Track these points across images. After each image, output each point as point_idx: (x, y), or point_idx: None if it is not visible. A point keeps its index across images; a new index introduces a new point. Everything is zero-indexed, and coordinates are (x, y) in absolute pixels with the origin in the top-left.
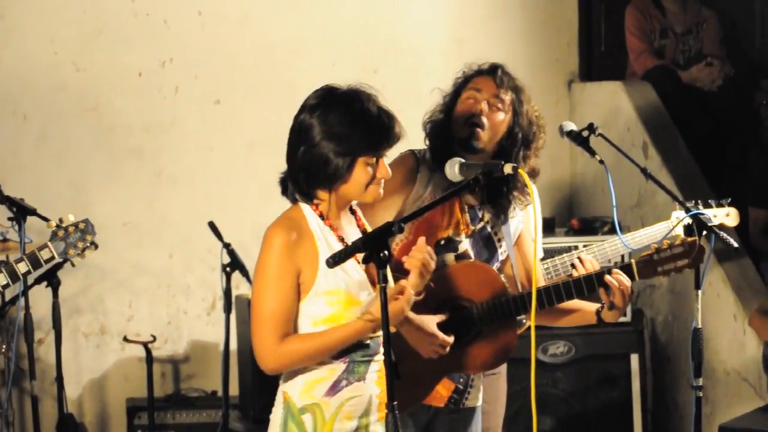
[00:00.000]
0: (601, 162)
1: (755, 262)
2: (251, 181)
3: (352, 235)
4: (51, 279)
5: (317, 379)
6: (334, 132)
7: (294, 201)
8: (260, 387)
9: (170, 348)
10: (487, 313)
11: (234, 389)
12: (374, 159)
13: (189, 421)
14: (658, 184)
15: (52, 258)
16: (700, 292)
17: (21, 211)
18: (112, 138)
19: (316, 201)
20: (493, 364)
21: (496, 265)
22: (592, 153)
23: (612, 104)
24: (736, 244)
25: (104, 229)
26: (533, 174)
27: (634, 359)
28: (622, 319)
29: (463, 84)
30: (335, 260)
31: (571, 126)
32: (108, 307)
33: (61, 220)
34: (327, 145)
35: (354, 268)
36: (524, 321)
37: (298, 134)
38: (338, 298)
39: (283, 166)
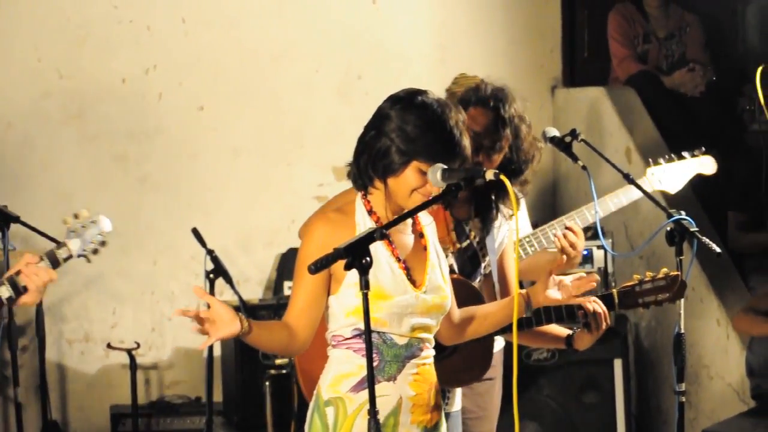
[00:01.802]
0: (584, 168)
1: (737, 266)
2: (235, 187)
3: (402, 236)
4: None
5: (346, 374)
6: (405, 129)
7: (356, 187)
8: (244, 393)
9: (154, 355)
10: None
11: (218, 395)
12: (429, 168)
13: (173, 428)
14: (641, 190)
15: (70, 256)
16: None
17: (4, 219)
18: (96, 145)
19: (371, 190)
20: (467, 380)
21: (479, 278)
22: (575, 159)
23: (595, 110)
24: (718, 250)
25: None
26: (524, 183)
27: (618, 364)
28: None
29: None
30: (316, 267)
31: (553, 132)
32: (92, 314)
33: (76, 216)
34: (394, 138)
35: (389, 264)
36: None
37: (375, 119)
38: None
39: (266, 172)
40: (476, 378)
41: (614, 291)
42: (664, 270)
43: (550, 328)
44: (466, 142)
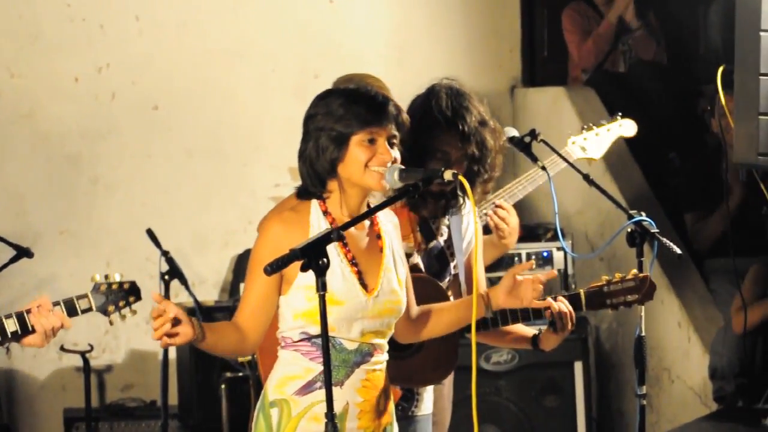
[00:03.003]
0: (543, 168)
1: (698, 268)
2: (190, 187)
3: (358, 237)
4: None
5: (291, 376)
6: (331, 112)
7: (313, 198)
8: (199, 396)
9: (108, 357)
10: None
11: (173, 399)
12: (370, 137)
13: None
14: (601, 191)
15: (90, 308)
16: None
17: None
18: (48, 145)
19: (325, 195)
20: (435, 379)
21: (447, 278)
22: (534, 159)
23: (555, 109)
24: (679, 251)
25: (40, 237)
26: (487, 181)
27: (578, 367)
28: None
29: (428, 135)
30: (272, 268)
31: (513, 132)
32: None
33: (106, 277)
34: (324, 127)
35: (341, 268)
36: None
37: (304, 129)
38: (316, 294)
39: (221, 172)
40: (442, 377)
41: (581, 291)
42: (633, 271)
43: (515, 327)
44: (393, 106)
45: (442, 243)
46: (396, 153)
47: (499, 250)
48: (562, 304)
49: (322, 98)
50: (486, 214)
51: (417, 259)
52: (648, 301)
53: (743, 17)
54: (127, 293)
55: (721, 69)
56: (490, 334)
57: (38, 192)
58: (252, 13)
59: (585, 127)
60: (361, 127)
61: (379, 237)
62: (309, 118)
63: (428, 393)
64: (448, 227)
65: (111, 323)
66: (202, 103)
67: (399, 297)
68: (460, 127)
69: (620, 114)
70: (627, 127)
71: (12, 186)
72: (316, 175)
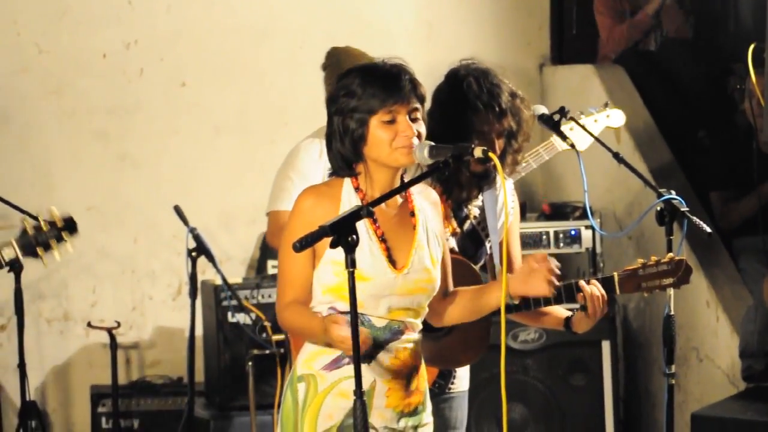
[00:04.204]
0: (572, 146)
1: (727, 247)
2: (217, 164)
3: (390, 214)
4: (13, 264)
5: (320, 351)
6: (350, 91)
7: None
8: (226, 374)
9: (135, 334)
10: None
11: (200, 376)
12: (389, 116)
13: (154, 408)
14: (631, 169)
15: (16, 258)
16: None
17: None
18: (76, 121)
19: (356, 174)
20: (465, 360)
21: (484, 258)
22: (564, 137)
23: (584, 88)
24: (708, 230)
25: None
26: (517, 151)
27: (606, 346)
28: None
29: (467, 120)
30: (301, 244)
31: (542, 110)
32: (71, 293)
33: (36, 218)
34: (345, 109)
35: (369, 245)
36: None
37: (328, 112)
38: (343, 270)
39: (249, 149)
40: (473, 359)
41: (615, 274)
42: (670, 255)
43: (549, 308)
44: (408, 80)
45: (475, 223)
46: (420, 127)
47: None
48: (595, 288)
49: (341, 78)
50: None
51: (452, 242)
52: (684, 285)
53: None
54: (60, 230)
55: (752, 47)
56: (522, 314)
57: (65, 168)
58: None
59: (576, 114)
60: (380, 106)
61: (413, 214)
62: (331, 101)
63: (464, 370)
64: (481, 208)
65: (45, 265)
66: (229, 80)
67: (432, 275)
68: (497, 105)
69: (607, 103)
70: (615, 118)
71: (39, 162)
72: (342, 157)
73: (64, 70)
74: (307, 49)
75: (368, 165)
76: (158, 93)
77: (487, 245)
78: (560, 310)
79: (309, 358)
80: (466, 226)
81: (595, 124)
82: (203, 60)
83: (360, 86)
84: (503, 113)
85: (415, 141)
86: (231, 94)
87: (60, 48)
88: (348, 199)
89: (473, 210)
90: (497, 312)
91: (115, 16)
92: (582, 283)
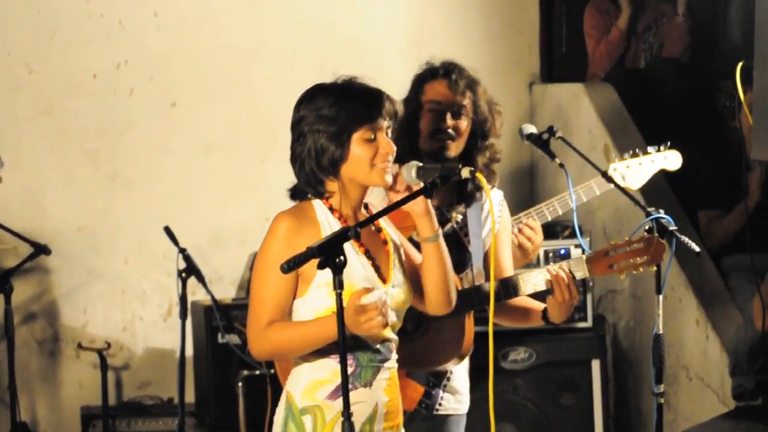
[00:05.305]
0: (561, 165)
1: (716, 266)
2: (208, 184)
3: (365, 232)
4: (3, 285)
5: (321, 381)
6: (323, 115)
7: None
8: (216, 394)
9: (125, 355)
10: None
11: (190, 396)
12: (371, 134)
13: (144, 429)
14: (619, 188)
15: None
16: (661, 296)
17: None
18: (66, 141)
19: (326, 194)
20: (441, 361)
21: (468, 268)
22: (552, 156)
23: (573, 106)
24: (697, 249)
25: (58, 233)
26: (494, 160)
27: (596, 365)
28: (582, 325)
29: (418, 91)
30: (289, 266)
31: (531, 129)
32: (62, 314)
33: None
34: (319, 129)
35: (359, 262)
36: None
37: (293, 132)
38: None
39: (239, 169)
40: (448, 359)
41: (584, 256)
42: (641, 234)
43: (524, 301)
44: (386, 98)
45: (457, 228)
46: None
47: (519, 263)
48: (561, 271)
49: (310, 100)
50: (512, 233)
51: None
52: (658, 262)
53: (763, 12)
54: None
55: (740, 65)
56: (500, 313)
57: (56, 188)
58: (270, 9)
59: (629, 153)
60: (361, 124)
61: (379, 230)
62: (299, 121)
63: (459, 390)
64: (464, 214)
65: None
66: (220, 100)
67: (408, 287)
68: (452, 76)
69: (668, 144)
70: (672, 160)
71: (30, 182)
72: (314, 176)
73: (55, 90)
74: (297, 68)
75: (343, 183)
76: (148, 113)
77: (471, 249)
78: (533, 303)
79: (309, 390)
80: (447, 228)
81: (651, 164)
82: (193, 80)
83: (336, 105)
84: (456, 84)
85: (391, 158)
86: (221, 113)
87: (50, 68)
88: (326, 221)
89: (456, 216)
90: (479, 303)
91: (106, 36)
92: (549, 267)
